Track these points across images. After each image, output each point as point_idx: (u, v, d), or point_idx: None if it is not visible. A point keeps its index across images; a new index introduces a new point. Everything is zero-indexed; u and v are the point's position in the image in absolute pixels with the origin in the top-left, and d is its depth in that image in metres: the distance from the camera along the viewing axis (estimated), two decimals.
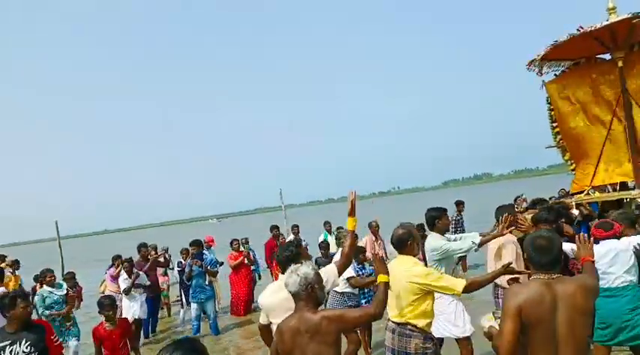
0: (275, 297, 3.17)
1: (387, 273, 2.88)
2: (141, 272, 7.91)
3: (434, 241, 4.74)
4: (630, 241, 4.02)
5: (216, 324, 8.18)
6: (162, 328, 9.14)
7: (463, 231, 9.86)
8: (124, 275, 7.72)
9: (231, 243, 9.90)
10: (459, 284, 3.35)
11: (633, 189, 5.63)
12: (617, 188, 5.92)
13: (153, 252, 9.41)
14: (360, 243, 10.06)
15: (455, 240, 4.95)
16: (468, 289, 3.36)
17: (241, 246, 10.02)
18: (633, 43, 5.61)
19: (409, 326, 3.39)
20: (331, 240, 11.49)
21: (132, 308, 7.58)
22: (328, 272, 3.26)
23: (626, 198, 5.67)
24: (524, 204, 9.03)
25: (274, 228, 10.69)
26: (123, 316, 7.52)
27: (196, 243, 8.31)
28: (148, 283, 7.99)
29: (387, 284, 2.84)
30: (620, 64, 5.51)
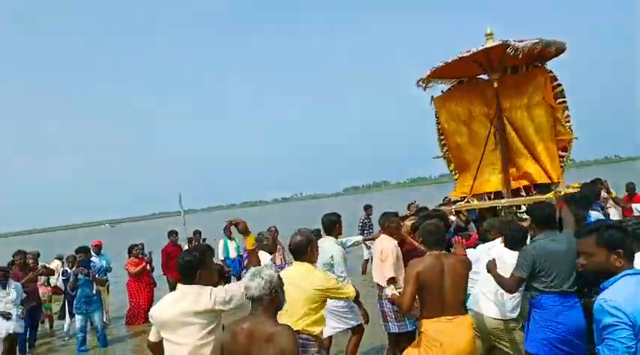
0: (169, 311, 2.88)
1: None
2: (18, 283, 7.22)
3: (332, 246, 4.93)
4: (487, 246, 4.52)
5: (105, 335, 7.72)
6: (44, 342, 8.44)
7: (371, 233, 10.31)
8: None
9: (130, 250, 9.38)
10: (352, 289, 3.56)
11: (503, 198, 6.28)
12: (492, 196, 6.55)
13: (31, 261, 8.62)
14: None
15: (345, 243, 5.26)
16: (358, 294, 3.63)
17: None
18: (507, 66, 6.28)
19: (304, 335, 3.29)
20: (231, 245, 11.39)
21: (5, 323, 6.88)
22: (234, 291, 2.95)
23: (499, 206, 6.33)
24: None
25: (172, 233, 10.34)
26: None
27: (83, 250, 7.77)
28: (25, 295, 7.31)
29: None
30: (495, 84, 6.11)
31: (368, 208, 11.79)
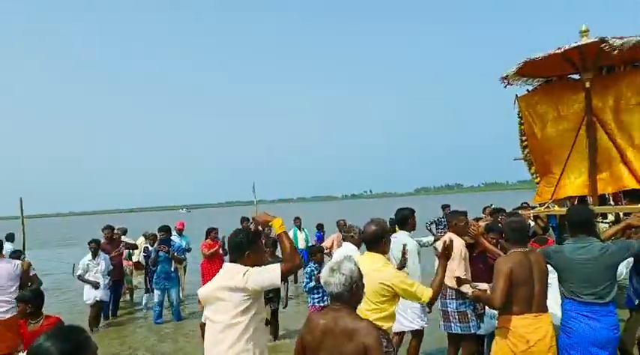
0: (209, 286, 2.94)
1: None
2: (106, 256, 7.86)
3: (406, 238, 4.89)
4: None
5: (179, 311, 8.17)
6: (124, 312, 9.08)
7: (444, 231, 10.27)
8: (88, 256, 7.67)
9: (209, 232, 9.83)
10: (427, 293, 3.22)
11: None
12: (576, 202, 6.19)
13: (117, 236, 9.30)
14: (328, 242, 10.26)
15: (419, 240, 5.21)
16: (433, 299, 3.25)
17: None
18: (602, 66, 5.89)
19: None
20: (300, 235, 11.64)
21: (94, 291, 7.52)
22: (269, 273, 2.79)
23: None
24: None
25: (245, 220, 10.71)
26: (87, 298, 7.49)
27: (164, 229, 8.28)
28: (111, 268, 7.94)
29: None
30: (587, 84, 5.75)
31: (445, 207, 11.98)
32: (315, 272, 5.68)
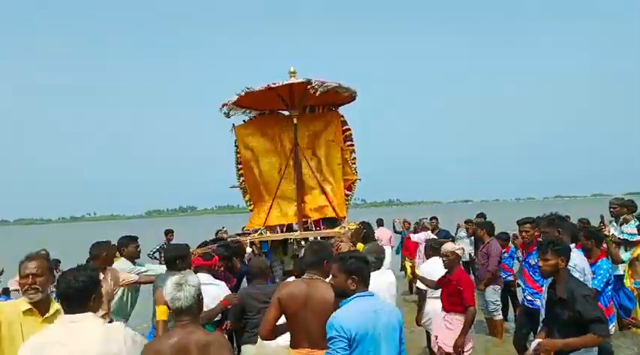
0: None
1: None
2: None
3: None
4: None
5: None
6: None
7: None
8: None
9: None
10: None
11: (296, 230, 6.43)
12: (285, 229, 6.66)
13: None
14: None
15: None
16: None
17: None
18: (306, 105, 6.56)
19: None
20: None
21: None
22: None
23: (291, 239, 6.46)
24: (226, 236, 9.34)
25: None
26: None
27: None
28: None
29: None
30: (295, 120, 6.29)
31: (169, 233, 11.00)
32: None
